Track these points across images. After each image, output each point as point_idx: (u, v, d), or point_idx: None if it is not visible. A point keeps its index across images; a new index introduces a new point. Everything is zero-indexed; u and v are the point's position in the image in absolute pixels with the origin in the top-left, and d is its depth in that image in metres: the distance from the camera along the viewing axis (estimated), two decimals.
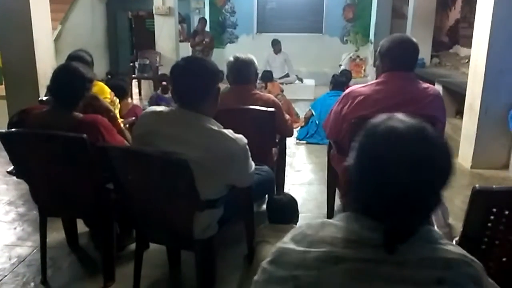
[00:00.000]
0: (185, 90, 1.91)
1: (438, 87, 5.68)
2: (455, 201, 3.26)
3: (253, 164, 2.02)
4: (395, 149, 0.82)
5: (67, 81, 2.26)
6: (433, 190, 0.86)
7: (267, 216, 2.48)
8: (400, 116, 0.87)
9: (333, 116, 2.58)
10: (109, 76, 6.41)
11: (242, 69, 2.84)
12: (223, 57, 9.14)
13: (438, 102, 2.42)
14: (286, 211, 2.45)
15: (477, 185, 1.40)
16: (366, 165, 0.86)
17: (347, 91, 2.53)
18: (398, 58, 2.36)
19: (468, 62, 4.80)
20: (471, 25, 4.90)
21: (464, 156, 4.36)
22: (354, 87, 2.54)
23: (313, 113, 5.34)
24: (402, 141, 0.83)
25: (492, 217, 1.41)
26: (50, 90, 2.30)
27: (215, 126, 1.87)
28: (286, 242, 0.91)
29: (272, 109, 2.72)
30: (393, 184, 0.82)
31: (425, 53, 7.51)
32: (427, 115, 2.31)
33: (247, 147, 1.92)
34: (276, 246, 0.93)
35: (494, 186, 1.48)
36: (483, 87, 4.06)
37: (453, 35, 7.87)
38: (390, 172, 0.82)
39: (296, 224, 2.45)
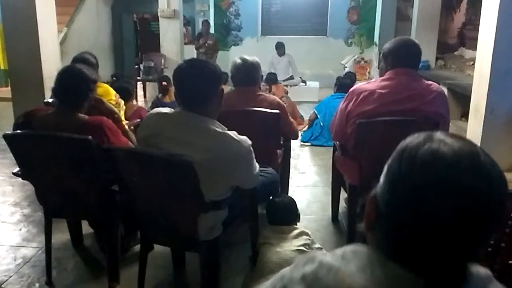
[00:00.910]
0: (188, 92, 1.92)
1: (444, 90, 5.66)
2: None
3: (257, 165, 2.02)
4: (442, 180, 0.65)
5: (71, 83, 2.27)
6: (486, 231, 0.69)
7: (267, 218, 2.47)
8: (442, 136, 0.71)
9: (338, 115, 2.60)
10: (114, 78, 6.42)
11: (248, 71, 2.85)
12: (227, 59, 9.16)
13: (442, 99, 2.46)
14: (287, 212, 2.45)
15: None
16: (403, 197, 0.68)
17: (352, 88, 2.56)
18: (401, 57, 2.42)
19: (473, 64, 4.78)
20: (476, 27, 4.89)
21: None
22: (359, 84, 2.57)
23: (318, 115, 5.34)
24: (452, 169, 0.66)
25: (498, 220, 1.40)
26: (54, 92, 2.31)
27: (219, 128, 1.87)
28: (295, 280, 0.72)
29: (277, 111, 2.72)
30: (438, 224, 0.65)
31: (430, 55, 7.49)
32: (431, 111, 2.36)
33: (252, 148, 1.92)
34: (282, 276, 0.75)
35: None
36: (488, 89, 4.04)
37: (458, 38, 7.85)
38: (434, 209, 0.65)
39: (296, 225, 2.44)
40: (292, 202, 2.53)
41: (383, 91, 2.39)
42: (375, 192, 0.75)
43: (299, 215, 2.52)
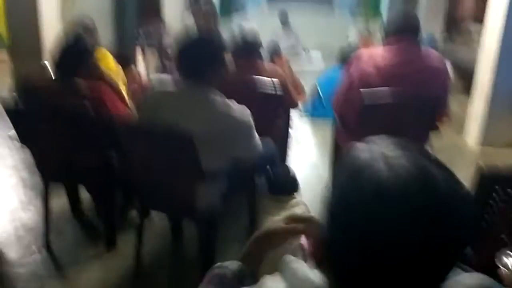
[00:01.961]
0: (190, 62, 1.88)
1: (447, 64, 5.59)
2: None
3: (257, 136, 2.01)
4: (388, 208, 0.57)
5: (71, 48, 2.24)
6: (449, 257, 0.60)
7: (267, 188, 2.48)
8: (390, 151, 0.61)
9: (340, 83, 2.59)
10: (114, 44, 6.32)
11: (247, 41, 2.80)
12: (230, 26, 9.01)
13: (444, 65, 2.56)
14: (286, 183, 2.46)
15: (482, 163, 1.39)
16: (351, 220, 0.59)
17: (354, 55, 2.56)
18: (401, 25, 2.49)
19: (480, 38, 4.69)
20: (485, 1, 4.77)
21: (470, 133, 4.33)
22: (360, 52, 2.58)
23: (319, 87, 5.28)
24: (401, 200, 0.57)
25: (494, 195, 1.40)
26: (53, 58, 2.28)
27: (219, 98, 1.85)
28: None
29: (276, 80, 2.68)
30: (385, 256, 0.57)
31: (436, 28, 7.36)
32: (434, 70, 2.44)
33: (251, 119, 1.90)
34: None
35: (499, 164, 1.47)
36: (493, 64, 3.98)
37: (466, 10, 7.69)
38: (382, 238, 0.57)
39: (294, 195, 2.46)
40: (292, 173, 2.53)
41: (384, 54, 2.46)
42: (324, 208, 0.65)
43: (297, 186, 2.52)
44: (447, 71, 2.58)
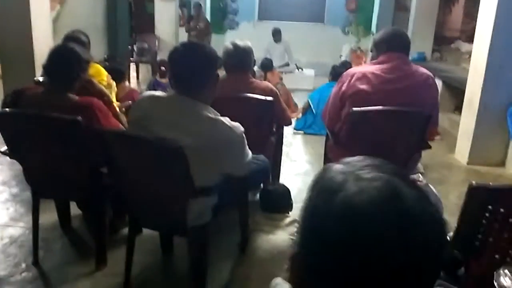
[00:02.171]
0: (183, 76, 1.89)
1: (438, 82, 5.66)
2: (450, 197, 3.27)
3: (249, 153, 2.01)
4: (358, 230, 0.56)
5: (63, 62, 2.23)
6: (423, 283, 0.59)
7: (260, 205, 2.47)
8: (364, 173, 0.61)
9: (332, 99, 2.63)
10: (107, 62, 6.34)
11: (240, 57, 2.80)
12: (223, 43, 9.07)
13: (433, 82, 2.57)
14: (280, 201, 2.45)
15: (473, 182, 1.40)
16: (318, 251, 0.59)
17: (345, 72, 2.60)
18: (394, 44, 2.52)
19: (469, 57, 4.77)
20: (473, 19, 4.86)
21: (461, 151, 4.36)
22: (352, 68, 2.61)
23: (311, 103, 5.31)
24: (371, 226, 0.56)
25: (487, 214, 1.40)
26: (45, 70, 2.27)
27: (212, 114, 1.85)
28: None
29: (270, 98, 2.70)
30: (359, 278, 0.56)
31: (426, 47, 7.47)
32: (422, 93, 2.48)
33: (244, 135, 1.90)
34: None
35: (490, 183, 1.47)
36: (483, 83, 4.04)
37: (455, 30, 7.82)
38: (355, 261, 0.56)
39: (289, 213, 2.44)
40: (286, 191, 2.53)
41: (376, 71, 2.48)
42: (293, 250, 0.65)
43: (292, 204, 2.51)
44: (436, 87, 2.61)
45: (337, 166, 0.64)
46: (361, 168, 0.62)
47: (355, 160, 0.65)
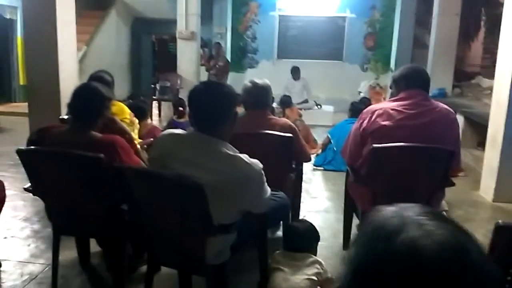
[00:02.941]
0: (202, 114, 1.91)
1: (460, 118, 5.60)
2: (477, 235, 3.15)
3: (268, 189, 1.99)
4: (422, 272, 0.56)
5: (86, 100, 2.29)
6: None
7: (282, 243, 2.43)
8: (420, 218, 0.61)
9: (352, 136, 2.61)
10: (130, 97, 6.50)
11: (259, 95, 2.84)
12: (242, 81, 9.22)
13: (454, 119, 2.56)
14: (303, 239, 2.40)
15: (500, 221, 1.35)
16: (381, 283, 0.59)
17: (365, 109, 2.60)
18: (414, 81, 2.52)
19: (491, 92, 4.73)
20: (493, 55, 4.85)
21: (485, 189, 4.25)
22: (372, 105, 2.60)
23: (331, 139, 5.31)
24: (435, 271, 0.56)
25: None
26: (69, 108, 2.34)
27: (231, 151, 1.86)
28: None
29: (289, 134, 2.70)
30: None
31: (446, 83, 7.44)
32: (444, 129, 2.45)
33: (263, 172, 1.90)
34: None
35: None
36: (506, 118, 3.98)
37: (475, 65, 7.80)
38: None
39: (315, 254, 2.38)
40: (311, 229, 2.46)
41: (397, 108, 2.47)
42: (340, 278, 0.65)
43: (316, 244, 2.44)
44: (457, 123, 2.58)
45: (389, 210, 0.65)
46: (418, 214, 0.63)
47: (407, 206, 0.66)
